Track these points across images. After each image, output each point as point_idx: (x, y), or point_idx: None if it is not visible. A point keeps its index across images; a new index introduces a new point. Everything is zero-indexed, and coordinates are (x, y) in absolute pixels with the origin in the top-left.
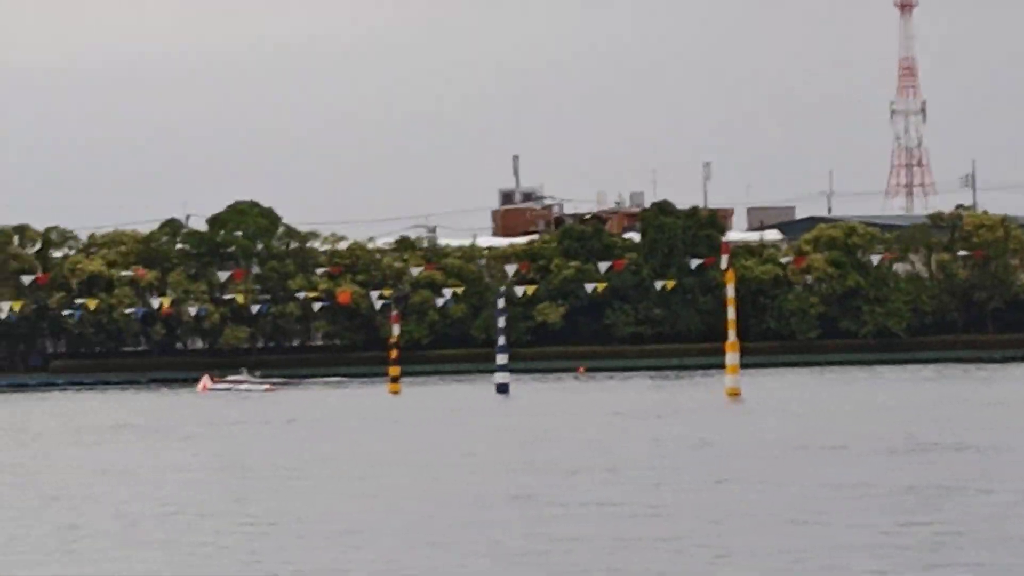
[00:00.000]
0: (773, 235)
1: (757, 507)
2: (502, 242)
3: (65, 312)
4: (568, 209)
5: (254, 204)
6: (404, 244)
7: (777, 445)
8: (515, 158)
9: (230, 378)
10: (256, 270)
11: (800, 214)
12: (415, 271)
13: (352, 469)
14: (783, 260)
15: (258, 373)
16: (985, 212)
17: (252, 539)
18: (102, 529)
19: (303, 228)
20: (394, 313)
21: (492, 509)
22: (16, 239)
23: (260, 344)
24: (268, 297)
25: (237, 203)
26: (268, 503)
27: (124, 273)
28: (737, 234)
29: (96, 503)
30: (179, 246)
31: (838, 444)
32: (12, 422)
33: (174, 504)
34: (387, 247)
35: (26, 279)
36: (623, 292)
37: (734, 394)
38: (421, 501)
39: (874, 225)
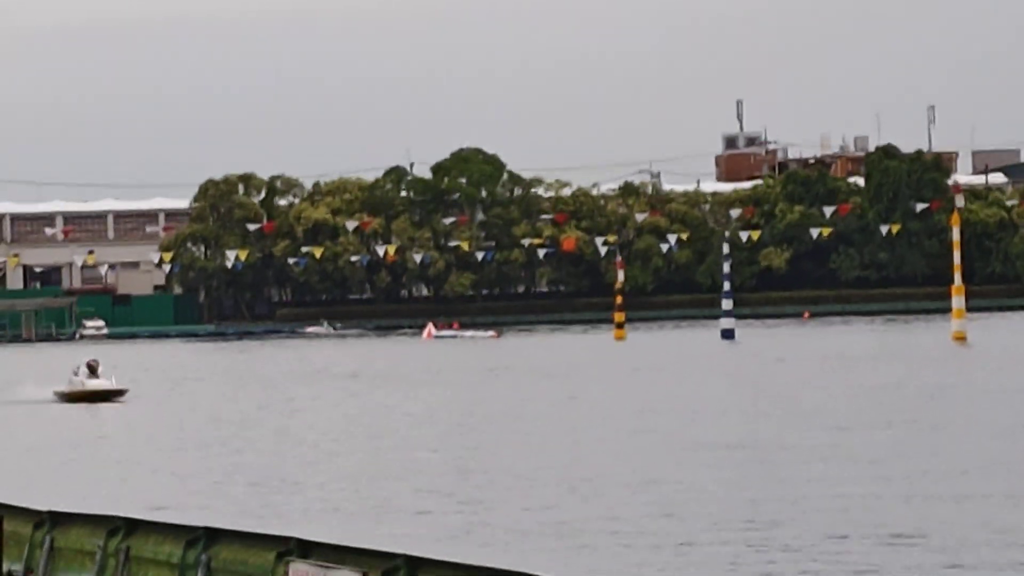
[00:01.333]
0: (998, 178)
1: (997, 453)
2: (726, 187)
3: (290, 260)
4: (792, 153)
5: (478, 151)
6: (628, 190)
7: (1010, 390)
8: (739, 103)
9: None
10: (480, 217)
11: None
12: (639, 217)
13: (579, 416)
14: (1008, 203)
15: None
16: None
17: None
18: None
19: (527, 175)
20: (618, 259)
21: (721, 456)
22: (241, 187)
23: (484, 291)
24: (492, 244)
25: (461, 150)
26: (503, 450)
27: (349, 221)
28: (962, 177)
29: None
30: (403, 193)
31: None
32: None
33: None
34: (611, 193)
35: (252, 227)
36: (848, 236)
37: (960, 338)
38: (648, 447)
39: None
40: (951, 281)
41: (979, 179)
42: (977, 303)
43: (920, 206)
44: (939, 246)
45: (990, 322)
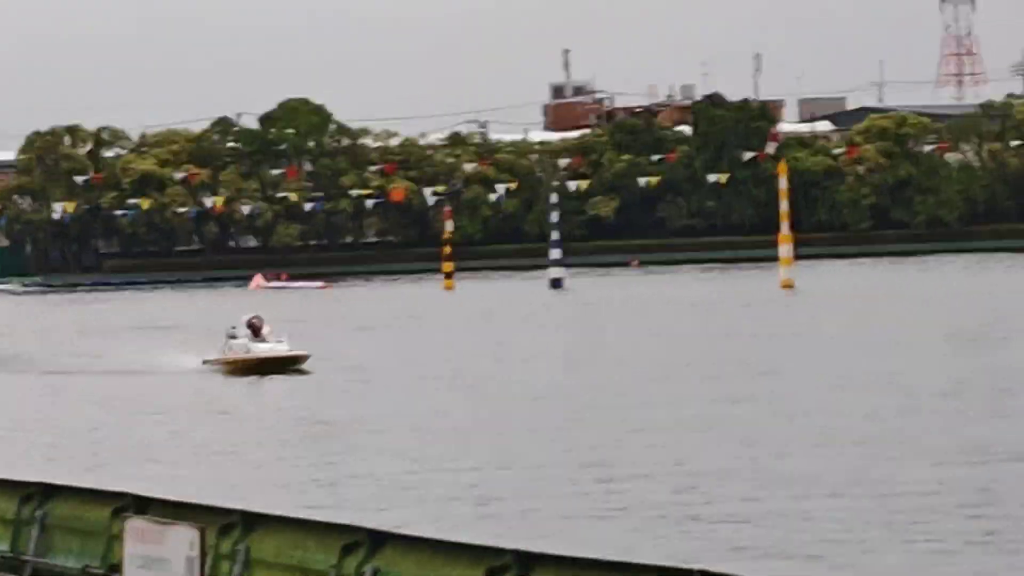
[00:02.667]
0: (824, 126)
1: (818, 397)
2: (554, 137)
3: (118, 212)
4: (619, 103)
5: (305, 101)
6: (456, 140)
7: (835, 336)
8: (565, 52)
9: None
10: (308, 168)
11: (851, 105)
12: (467, 167)
13: (408, 367)
14: (835, 151)
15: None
16: None
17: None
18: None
19: (354, 125)
20: (447, 209)
21: (547, 404)
22: (68, 139)
23: (313, 242)
24: (320, 195)
25: (288, 100)
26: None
27: (176, 173)
28: (788, 126)
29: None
30: (231, 144)
31: (894, 334)
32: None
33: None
34: (439, 143)
35: (79, 179)
36: (676, 185)
37: (788, 286)
38: (475, 398)
39: (925, 115)
40: (779, 229)
41: (805, 127)
42: (804, 251)
43: (747, 155)
44: (766, 194)
45: (817, 269)
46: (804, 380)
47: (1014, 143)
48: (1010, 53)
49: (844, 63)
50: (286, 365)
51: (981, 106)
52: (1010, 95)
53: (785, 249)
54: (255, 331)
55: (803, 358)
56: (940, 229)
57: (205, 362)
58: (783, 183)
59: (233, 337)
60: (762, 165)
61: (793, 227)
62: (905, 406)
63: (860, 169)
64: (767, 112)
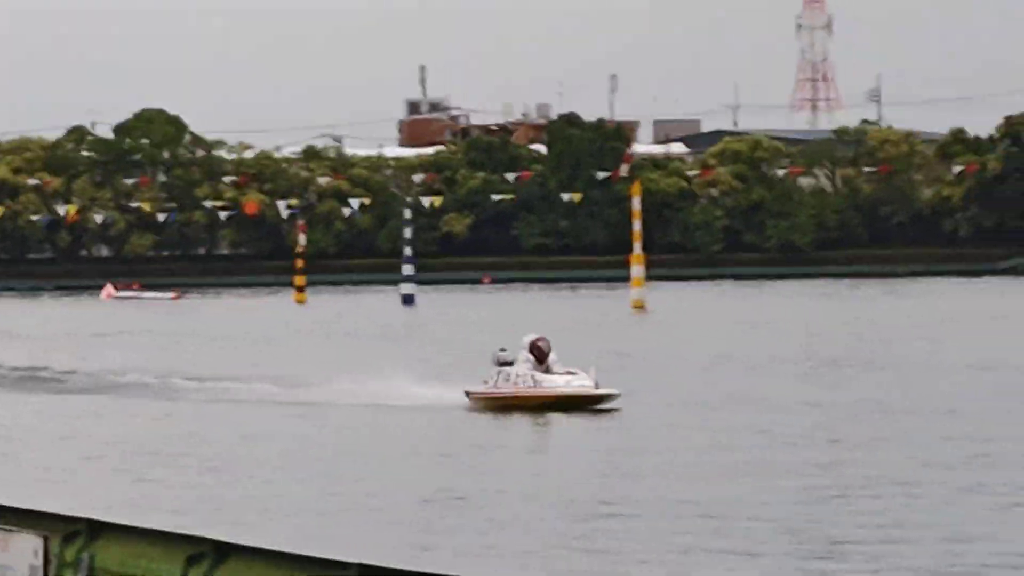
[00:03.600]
0: (678, 148)
1: (668, 420)
2: (409, 152)
3: None
4: (475, 120)
5: (160, 112)
6: (310, 154)
7: (685, 359)
8: (422, 68)
9: None
10: (162, 178)
11: (706, 127)
12: (322, 181)
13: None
14: (688, 173)
15: None
16: (890, 127)
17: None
18: None
19: (210, 137)
20: (300, 223)
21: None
22: None
23: (166, 252)
24: (174, 205)
25: (144, 111)
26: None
27: (30, 180)
28: (643, 147)
29: None
30: (85, 153)
31: (742, 357)
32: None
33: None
34: (294, 156)
35: None
36: (529, 204)
37: (639, 307)
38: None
39: (779, 139)
40: (631, 250)
41: (659, 149)
42: (656, 272)
43: (602, 175)
44: (620, 215)
45: (669, 291)
46: (648, 402)
47: (867, 169)
48: (865, 79)
49: (699, 86)
50: (586, 406)
51: (835, 131)
52: (864, 121)
53: (637, 270)
54: (540, 356)
55: (650, 380)
56: (792, 253)
57: (468, 394)
58: (636, 204)
59: (506, 363)
60: (616, 185)
61: (645, 248)
62: (748, 429)
63: (713, 191)
64: (622, 133)
